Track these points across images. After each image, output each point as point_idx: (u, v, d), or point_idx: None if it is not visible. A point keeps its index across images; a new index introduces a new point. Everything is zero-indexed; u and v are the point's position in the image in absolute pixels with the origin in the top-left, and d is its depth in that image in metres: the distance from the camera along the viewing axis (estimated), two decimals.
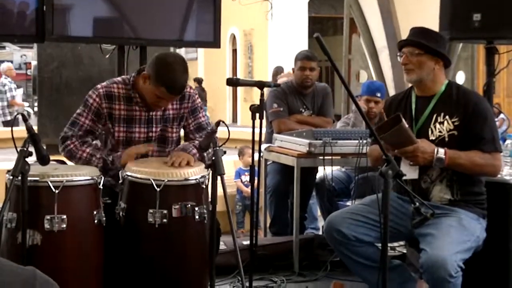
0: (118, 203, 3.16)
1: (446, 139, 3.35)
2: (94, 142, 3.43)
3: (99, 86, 3.40)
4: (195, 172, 3.13)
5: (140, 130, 3.43)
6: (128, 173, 3.14)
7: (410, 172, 3.32)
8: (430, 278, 3.04)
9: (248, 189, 6.91)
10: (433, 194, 3.38)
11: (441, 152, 3.25)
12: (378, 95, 5.09)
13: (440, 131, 3.37)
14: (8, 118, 12.74)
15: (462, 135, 3.34)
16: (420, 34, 3.45)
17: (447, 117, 3.38)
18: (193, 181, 3.11)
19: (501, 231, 3.52)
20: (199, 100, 3.57)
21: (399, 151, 3.27)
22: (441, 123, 3.38)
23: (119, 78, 3.46)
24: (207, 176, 3.13)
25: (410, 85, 3.55)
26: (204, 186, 3.13)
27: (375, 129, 3.23)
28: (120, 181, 3.17)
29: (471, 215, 3.30)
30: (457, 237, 3.13)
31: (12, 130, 2.90)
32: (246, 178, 7.10)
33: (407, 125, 3.22)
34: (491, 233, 3.37)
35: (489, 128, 3.34)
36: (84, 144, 3.35)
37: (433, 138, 3.36)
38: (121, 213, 3.14)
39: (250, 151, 6.84)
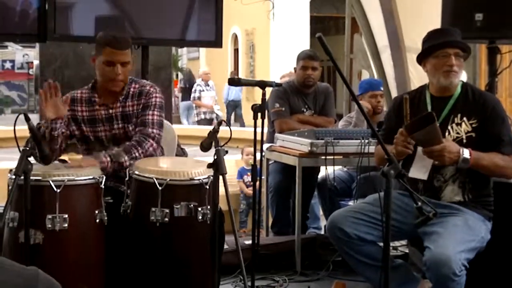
0: (125, 200, 3.18)
1: (464, 140, 3.33)
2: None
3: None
4: (200, 173, 3.13)
5: (105, 128, 3.53)
6: (135, 172, 3.16)
7: (420, 173, 3.32)
8: (433, 276, 3.03)
9: (250, 190, 6.89)
10: (444, 193, 3.36)
11: (466, 152, 3.23)
12: (381, 88, 5.15)
13: (457, 133, 3.35)
14: (196, 118, 14.08)
15: (480, 137, 3.32)
16: (457, 36, 3.42)
17: (464, 118, 3.36)
18: (197, 181, 3.10)
19: (507, 231, 3.51)
20: (157, 98, 3.54)
21: (426, 150, 3.24)
22: (459, 124, 3.36)
23: (86, 86, 3.61)
24: (211, 177, 3.12)
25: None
26: (208, 187, 3.12)
27: (404, 126, 3.21)
28: (126, 179, 3.19)
29: (477, 216, 3.30)
30: (462, 236, 3.12)
31: (14, 130, 2.91)
32: (248, 178, 7.08)
33: (438, 124, 3.20)
34: (496, 233, 3.36)
35: (506, 130, 3.34)
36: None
37: (450, 139, 3.34)
38: (127, 211, 3.15)
39: (249, 149, 6.87)
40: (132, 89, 3.54)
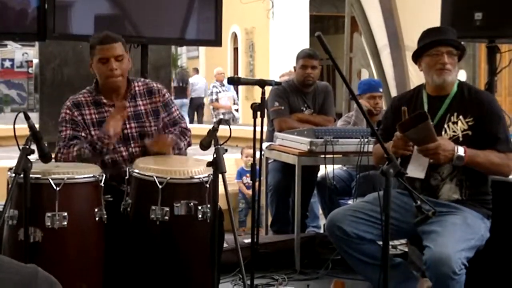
0: (125, 198, 3.18)
1: (460, 138, 3.34)
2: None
3: (66, 101, 3.51)
4: (200, 171, 3.13)
5: None
6: (135, 170, 3.16)
7: (417, 172, 3.32)
8: (433, 274, 3.03)
9: (250, 191, 6.89)
10: (442, 192, 3.37)
11: (460, 150, 3.24)
12: (381, 90, 5.13)
13: (454, 131, 3.36)
14: (215, 120, 13.72)
15: (476, 135, 3.33)
16: (451, 34, 3.43)
17: (460, 117, 3.36)
18: (197, 180, 3.11)
19: (506, 230, 3.51)
20: (168, 94, 3.68)
21: (420, 148, 3.25)
22: (455, 122, 3.37)
23: (84, 90, 3.56)
24: (211, 176, 3.13)
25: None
26: (208, 186, 3.12)
27: (398, 125, 3.22)
28: (126, 177, 3.19)
29: (475, 214, 3.30)
30: (461, 235, 3.13)
31: (14, 128, 2.91)
32: (247, 179, 7.08)
33: (431, 122, 3.21)
34: (495, 232, 3.37)
35: (503, 128, 3.35)
36: (70, 146, 3.37)
37: (447, 137, 3.34)
38: (127, 209, 3.16)
39: (248, 151, 6.86)
40: (137, 88, 3.55)
